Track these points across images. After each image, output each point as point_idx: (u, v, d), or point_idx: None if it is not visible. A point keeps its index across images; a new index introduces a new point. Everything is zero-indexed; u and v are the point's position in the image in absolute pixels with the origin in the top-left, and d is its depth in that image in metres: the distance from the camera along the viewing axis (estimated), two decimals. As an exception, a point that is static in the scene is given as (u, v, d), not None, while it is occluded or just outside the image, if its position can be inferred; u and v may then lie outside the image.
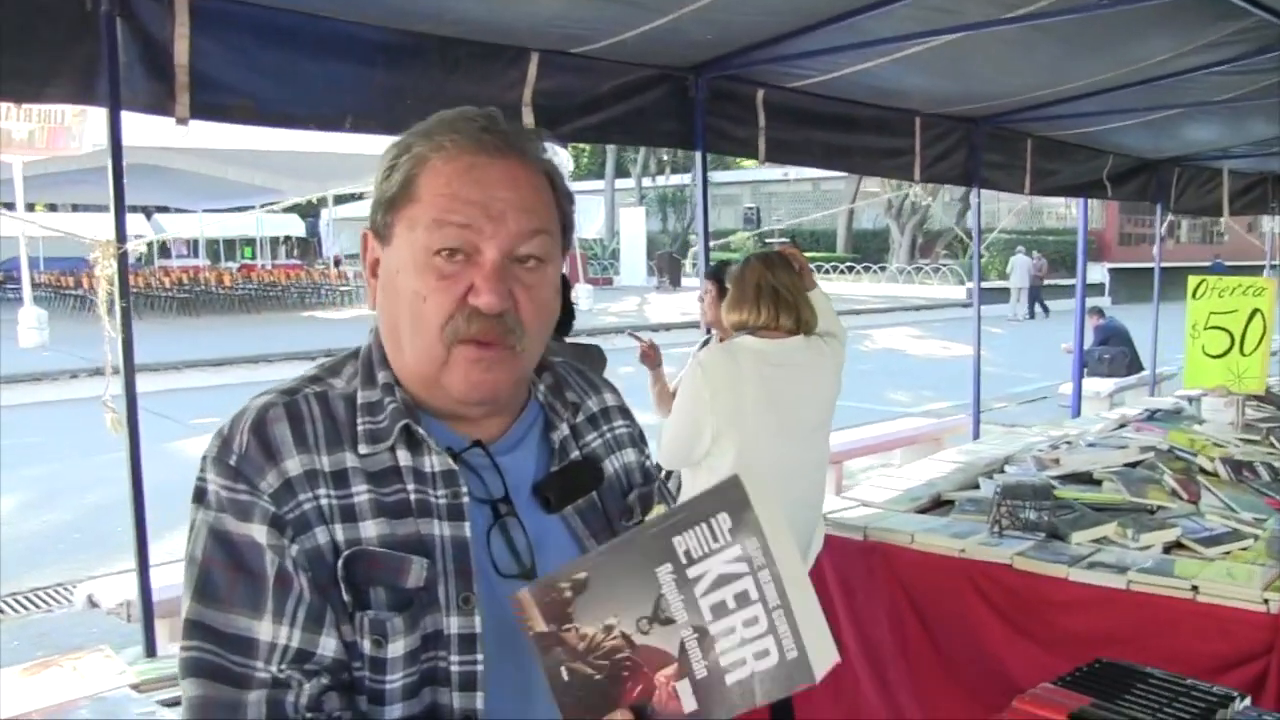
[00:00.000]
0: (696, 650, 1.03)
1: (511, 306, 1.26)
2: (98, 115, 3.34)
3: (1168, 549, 3.49)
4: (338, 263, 35.59)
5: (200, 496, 1.25)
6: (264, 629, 1.19)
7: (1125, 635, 3.02)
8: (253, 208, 25.84)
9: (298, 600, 1.20)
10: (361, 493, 1.24)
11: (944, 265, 35.81)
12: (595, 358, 4.42)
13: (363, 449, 1.26)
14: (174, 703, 2.48)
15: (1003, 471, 4.46)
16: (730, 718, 1.03)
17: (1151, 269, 11.06)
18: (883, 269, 37.65)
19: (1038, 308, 27.65)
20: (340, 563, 1.21)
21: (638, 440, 1.54)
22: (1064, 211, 43.31)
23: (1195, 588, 3.10)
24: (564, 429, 1.41)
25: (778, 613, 1.00)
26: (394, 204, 1.27)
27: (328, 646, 1.21)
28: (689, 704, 1.03)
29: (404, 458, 1.27)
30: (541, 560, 1.31)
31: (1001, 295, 27.21)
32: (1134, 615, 3.11)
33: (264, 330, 22.80)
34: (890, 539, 3.68)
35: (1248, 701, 2.06)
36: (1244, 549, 3.45)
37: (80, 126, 12.58)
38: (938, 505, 4.20)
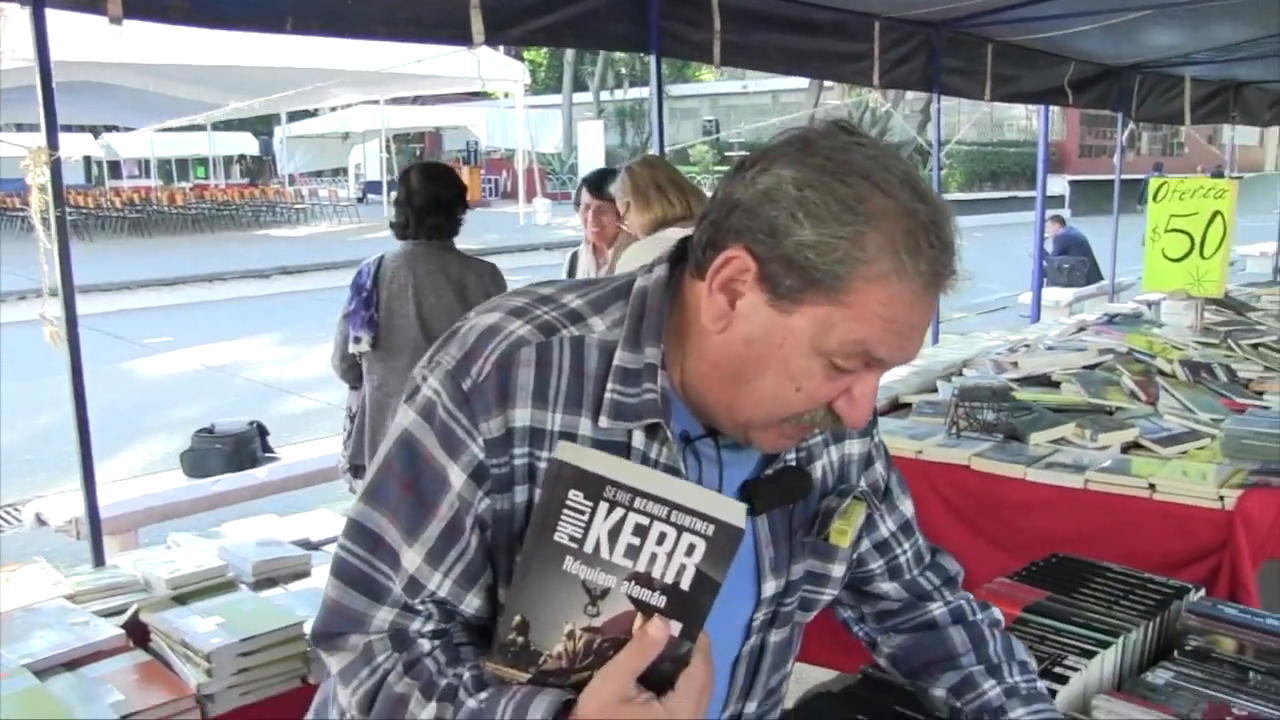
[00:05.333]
0: (644, 590, 1.07)
1: None
2: (19, 21, 3.20)
3: (1126, 449, 3.49)
4: (293, 181, 35.02)
5: (413, 395, 1.20)
6: (410, 558, 1.18)
7: (1083, 534, 3.01)
8: (203, 127, 25.37)
9: (460, 554, 1.18)
10: None
11: (904, 178, 35.58)
12: (492, 276, 4.15)
13: (604, 422, 1.18)
14: (113, 612, 2.44)
15: (960, 375, 4.44)
16: (701, 619, 1.08)
17: (1112, 180, 11.04)
18: (842, 182, 37.32)
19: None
20: None
21: (868, 428, 1.46)
22: (1025, 124, 43.29)
23: (1152, 486, 3.10)
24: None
25: (674, 515, 1.05)
26: (814, 285, 1.10)
27: (472, 604, 1.21)
28: (674, 627, 1.08)
29: (638, 439, 1.20)
30: None
31: (960, 206, 27.14)
32: (1092, 515, 3.11)
33: (219, 249, 22.46)
34: (847, 443, 3.65)
35: (1202, 593, 2.05)
36: (1200, 448, 3.46)
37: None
38: (895, 409, 4.17)
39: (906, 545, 1.52)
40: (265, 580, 2.63)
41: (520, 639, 1.10)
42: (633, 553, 1.06)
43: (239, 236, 26.50)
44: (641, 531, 1.05)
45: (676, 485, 1.07)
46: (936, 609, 1.52)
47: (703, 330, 1.18)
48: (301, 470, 5.58)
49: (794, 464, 1.35)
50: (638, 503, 1.05)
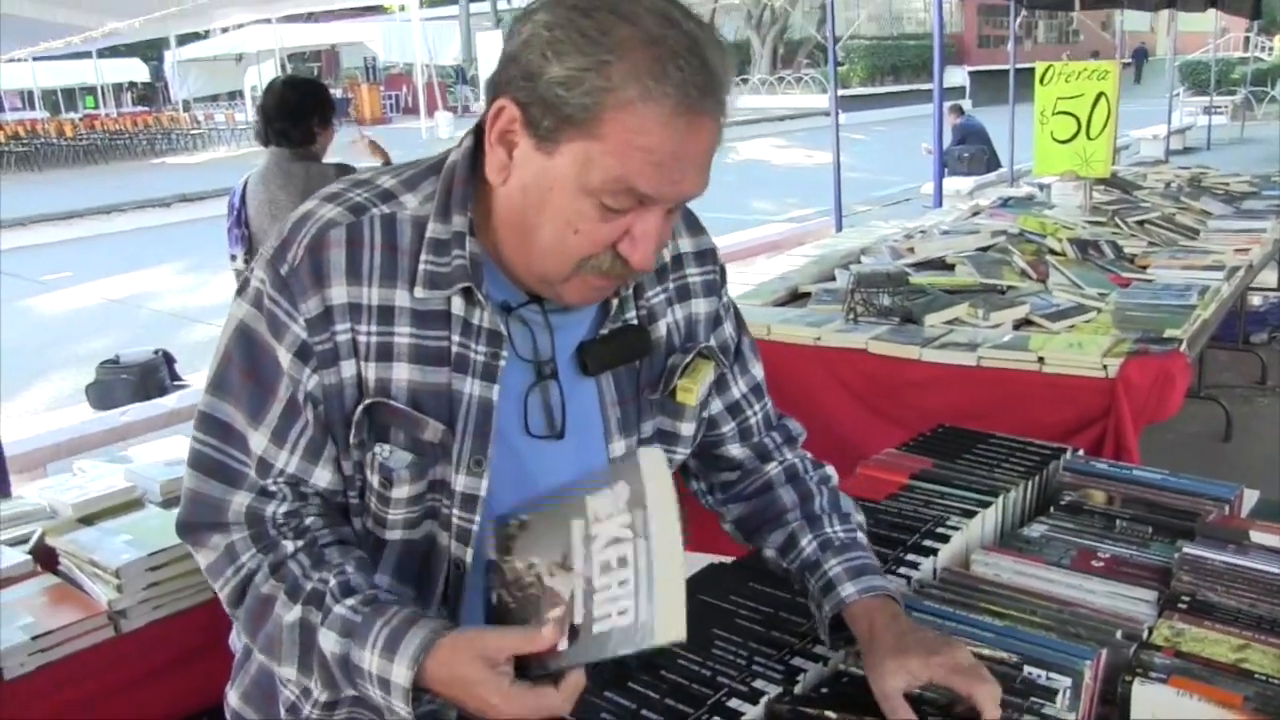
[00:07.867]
0: (581, 599, 1.14)
1: None
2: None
3: (1018, 326, 3.57)
4: (188, 107, 34.01)
5: (244, 288, 1.25)
6: (257, 440, 1.24)
7: (976, 409, 3.09)
8: (88, 55, 24.46)
9: (301, 431, 1.25)
10: (403, 334, 1.24)
11: (806, 75, 35.71)
12: (338, 174, 4.23)
13: (419, 292, 1.23)
14: (18, 541, 2.41)
15: (858, 262, 4.51)
16: (586, 661, 1.14)
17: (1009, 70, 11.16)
18: (745, 81, 37.25)
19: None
20: (360, 408, 1.23)
21: (715, 287, 1.49)
22: (924, 16, 43.35)
23: (1041, 359, 3.19)
24: (625, 289, 1.35)
25: (644, 579, 1.10)
26: (568, 121, 1.12)
27: (321, 478, 1.28)
28: (562, 643, 1.14)
29: (457, 305, 1.24)
30: (571, 423, 1.33)
31: (862, 101, 27.28)
32: (985, 390, 3.20)
33: (114, 180, 21.77)
34: (748, 333, 3.70)
35: (1080, 452, 2.15)
36: (1088, 322, 3.56)
37: None
38: (795, 299, 4.22)
39: (758, 407, 1.58)
40: (174, 499, 2.61)
41: (515, 532, 1.24)
42: (605, 569, 1.13)
43: (135, 166, 25.71)
44: (622, 563, 1.12)
45: (671, 572, 1.10)
46: (773, 468, 1.58)
47: (493, 187, 1.23)
48: (211, 396, 5.51)
49: (634, 323, 1.38)
50: (639, 544, 1.11)
